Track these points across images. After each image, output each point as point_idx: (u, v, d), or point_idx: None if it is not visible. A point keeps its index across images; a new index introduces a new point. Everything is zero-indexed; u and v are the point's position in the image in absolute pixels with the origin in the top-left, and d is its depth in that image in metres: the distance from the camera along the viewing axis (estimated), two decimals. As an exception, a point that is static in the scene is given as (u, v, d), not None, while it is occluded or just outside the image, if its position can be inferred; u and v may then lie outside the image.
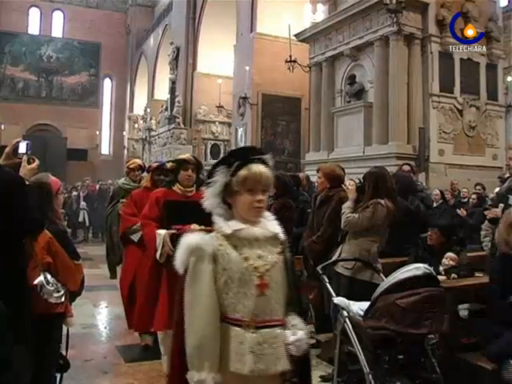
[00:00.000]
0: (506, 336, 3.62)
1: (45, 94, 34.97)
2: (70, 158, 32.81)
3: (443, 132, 10.98)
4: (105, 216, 6.55)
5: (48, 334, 3.18)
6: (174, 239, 3.76)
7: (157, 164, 5.53)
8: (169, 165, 4.52)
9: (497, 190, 7.53)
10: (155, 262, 4.34)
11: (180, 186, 4.31)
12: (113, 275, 6.32)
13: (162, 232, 4.10)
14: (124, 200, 5.73)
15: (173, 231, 4.02)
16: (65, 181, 24.64)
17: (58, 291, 3.19)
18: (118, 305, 7.43)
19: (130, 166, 6.09)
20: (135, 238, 5.11)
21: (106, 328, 6.55)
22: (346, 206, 4.50)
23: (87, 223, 17.05)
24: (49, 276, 3.16)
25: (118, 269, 6.00)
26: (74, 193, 18.01)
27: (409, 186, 5.93)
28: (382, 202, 4.34)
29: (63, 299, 3.24)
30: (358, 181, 4.85)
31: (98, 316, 7.16)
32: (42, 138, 30.00)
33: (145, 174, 6.01)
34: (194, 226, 3.59)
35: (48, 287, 3.13)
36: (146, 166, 6.16)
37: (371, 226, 4.35)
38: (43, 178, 3.34)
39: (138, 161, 6.53)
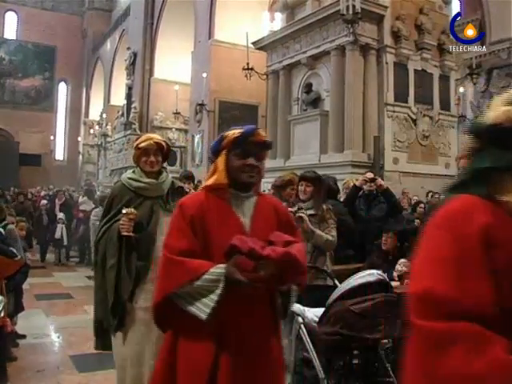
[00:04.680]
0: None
1: (-4, 97, 34.05)
2: (23, 163, 32.03)
3: (397, 141, 11.17)
4: (94, 239, 3.85)
5: None
6: None
7: (241, 131, 2.22)
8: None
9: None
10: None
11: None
12: (100, 345, 3.24)
13: None
14: (130, 209, 3.01)
15: None
16: (18, 186, 24.10)
17: None
18: (70, 313, 7.33)
19: (140, 145, 3.20)
20: (203, 311, 2.02)
21: (58, 337, 6.40)
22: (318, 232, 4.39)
23: (65, 241, 12.95)
24: None
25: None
26: (44, 201, 14.19)
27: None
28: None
29: (2, 314, 3.20)
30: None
31: (51, 325, 7.00)
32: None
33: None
34: None
35: None
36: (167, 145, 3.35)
37: None
38: None
39: (157, 136, 3.37)
